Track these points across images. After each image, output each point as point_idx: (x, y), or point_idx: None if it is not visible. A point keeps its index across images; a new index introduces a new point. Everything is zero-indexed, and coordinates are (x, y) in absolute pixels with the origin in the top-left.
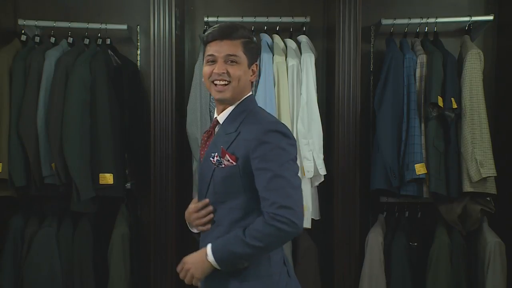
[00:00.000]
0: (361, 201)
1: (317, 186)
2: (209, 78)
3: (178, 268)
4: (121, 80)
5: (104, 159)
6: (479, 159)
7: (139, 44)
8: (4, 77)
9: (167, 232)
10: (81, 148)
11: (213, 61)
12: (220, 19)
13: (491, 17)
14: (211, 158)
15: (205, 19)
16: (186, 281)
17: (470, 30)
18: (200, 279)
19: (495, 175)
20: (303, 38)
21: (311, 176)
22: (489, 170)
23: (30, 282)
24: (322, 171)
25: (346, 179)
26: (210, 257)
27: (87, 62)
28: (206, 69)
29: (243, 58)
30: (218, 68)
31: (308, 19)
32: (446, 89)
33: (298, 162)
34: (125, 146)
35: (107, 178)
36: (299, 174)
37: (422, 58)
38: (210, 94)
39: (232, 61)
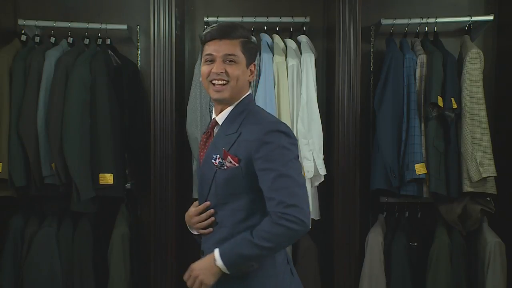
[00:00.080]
0: (361, 201)
1: (317, 186)
2: (207, 77)
3: (186, 276)
4: (121, 80)
5: (104, 159)
6: (479, 159)
7: (139, 44)
8: (4, 77)
9: (167, 232)
10: (81, 148)
11: (212, 61)
12: (220, 19)
13: (491, 17)
14: (212, 160)
15: (205, 19)
16: None
17: (470, 30)
18: (209, 285)
19: (495, 175)
20: (303, 38)
21: (311, 176)
22: (489, 170)
23: (30, 282)
24: (322, 171)
25: (346, 179)
26: (219, 262)
27: (87, 62)
28: (204, 68)
29: (241, 57)
30: (216, 67)
31: (308, 19)
32: (446, 89)
33: None
34: (125, 146)
35: (107, 178)
36: None
37: (422, 58)
38: None
39: (230, 61)
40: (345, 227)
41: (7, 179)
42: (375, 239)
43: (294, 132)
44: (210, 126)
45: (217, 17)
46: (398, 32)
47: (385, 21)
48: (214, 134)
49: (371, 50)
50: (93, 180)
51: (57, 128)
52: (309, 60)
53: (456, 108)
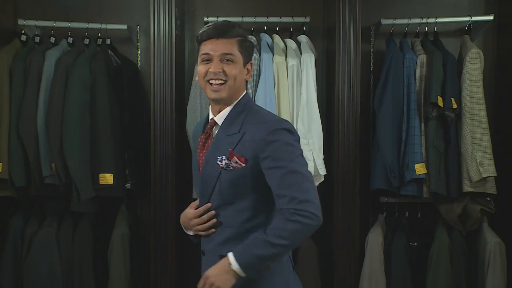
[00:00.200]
0: (361, 201)
1: (317, 186)
2: (204, 77)
3: (200, 285)
4: (121, 80)
5: (104, 159)
6: (479, 159)
7: (139, 44)
8: (4, 77)
9: (167, 232)
10: (81, 148)
11: (209, 60)
12: (220, 19)
13: (491, 17)
14: (218, 162)
15: (205, 19)
16: None
17: (470, 30)
18: None
19: (495, 175)
20: (303, 38)
21: None
22: (489, 170)
23: (30, 282)
24: (322, 171)
25: (346, 179)
26: (235, 265)
27: (87, 62)
28: (201, 68)
29: (238, 57)
30: (214, 67)
31: (308, 19)
32: (446, 89)
33: None
34: (125, 146)
35: (107, 178)
36: None
37: (422, 58)
38: None
39: (228, 60)
40: (345, 227)
41: (7, 179)
42: (375, 239)
43: None
44: (208, 126)
45: (217, 17)
46: (398, 32)
47: (385, 21)
48: (213, 135)
49: (371, 50)
50: (93, 180)
51: (57, 128)
52: (309, 60)
53: (456, 108)
